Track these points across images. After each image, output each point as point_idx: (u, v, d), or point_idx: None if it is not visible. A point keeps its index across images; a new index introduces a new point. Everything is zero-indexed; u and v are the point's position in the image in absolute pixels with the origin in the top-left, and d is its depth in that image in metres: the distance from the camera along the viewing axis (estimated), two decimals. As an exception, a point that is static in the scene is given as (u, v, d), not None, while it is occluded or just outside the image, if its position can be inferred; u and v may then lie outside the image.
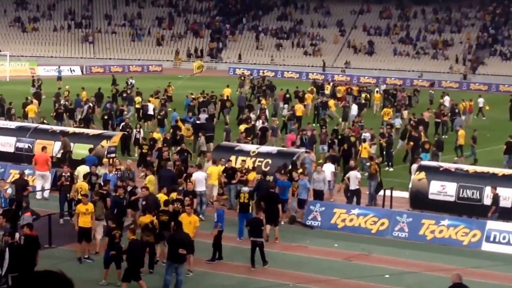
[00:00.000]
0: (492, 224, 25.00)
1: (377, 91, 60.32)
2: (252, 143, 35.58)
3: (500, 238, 24.59)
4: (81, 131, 34.63)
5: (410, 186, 28.32)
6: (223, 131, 39.21)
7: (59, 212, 25.60)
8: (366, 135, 37.59)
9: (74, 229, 22.09)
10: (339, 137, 37.75)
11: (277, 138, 39.90)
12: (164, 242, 20.94)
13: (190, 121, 41.21)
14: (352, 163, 29.65)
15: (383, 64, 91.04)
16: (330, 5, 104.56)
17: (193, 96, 50.13)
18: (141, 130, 38.12)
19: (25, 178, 26.63)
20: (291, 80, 79.55)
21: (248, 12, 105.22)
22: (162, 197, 23.18)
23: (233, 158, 29.45)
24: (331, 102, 51.17)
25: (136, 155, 35.33)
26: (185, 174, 27.25)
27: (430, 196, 27.27)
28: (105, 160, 29.72)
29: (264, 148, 31.76)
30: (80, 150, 31.67)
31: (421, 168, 28.19)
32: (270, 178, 27.04)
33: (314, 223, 26.59)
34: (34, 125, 36.23)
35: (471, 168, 28.46)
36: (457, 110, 49.40)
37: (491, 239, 24.65)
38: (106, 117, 43.04)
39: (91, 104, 46.00)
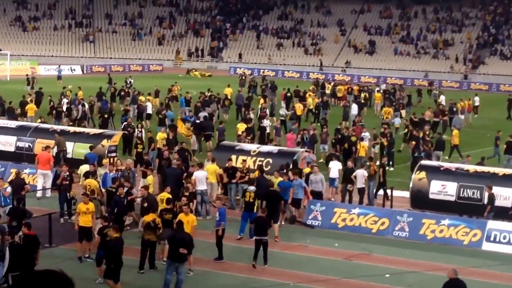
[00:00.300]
0: (492, 224, 24.99)
1: (377, 91, 60.36)
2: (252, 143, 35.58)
3: (501, 238, 24.58)
4: (81, 130, 34.67)
5: (410, 185, 28.32)
6: (216, 130, 39.36)
7: (59, 211, 25.61)
8: (366, 134, 37.66)
9: (74, 228, 22.11)
10: (339, 136, 37.72)
11: (280, 138, 39.92)
12: (164, 241, 20.97)
13: (190, 120, 41.22)
14: (349, 164, 29.55)
15: (384, 63, 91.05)
16: (331, 4, 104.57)
17: (189, 95, 50.43)
18: (143, 129, 38.07)
19: (22, 177, 26.63)
20: (292, 79, 79.57)
21: (248, 11, 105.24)
22: (165, 195, 23.20)
23: (233, 157, 29.46)
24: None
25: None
26: (185, 174, 27.25)
27: (431, 196, 27.27)
28: (105, 160, 29.71)
29: (265, 148, 31.75)
30: (80, 149, 31.70)
31: (421, 168, 28.18)
32: (270, 177, 27.02)
33: (315, 223, 26.58)
34: (35, 124, 36.24)
35: (471, 168, 28.46)
36: (455, 109, 49.38)
37: (492, 238, 24.64)
38: (106, 116, 43.10)
39: (85, 103, 45.87)
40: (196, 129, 39.30)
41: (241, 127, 39.12)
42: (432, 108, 49.17)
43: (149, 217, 21.19)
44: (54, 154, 30.92)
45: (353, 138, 36.36)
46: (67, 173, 26.15)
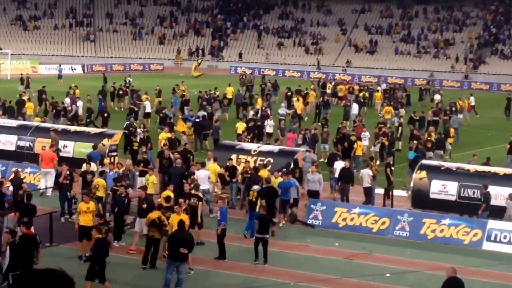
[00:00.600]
0: (493, 224, 24.99)
1: (378, 90, 60.35)
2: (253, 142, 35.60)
3: (501, 238, 24.58)
4: (82, 129, 34.68)
5: (411, 185, 28.32)
6: (211, 128, 39.39)
7: (60, 211, 25.63)
8: (366, 134, 37.68)
9: (74, 227, 22.12)
10: (341, 135, 37.69)
11: (283, 138, 39.89)
12: (165, 239, 21.06)
13: (191, 120, 41.20)
14: (347, 163, 29.46)
15: (385, 63, 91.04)
16: (332, 4, 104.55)
17: (184, 93, 50.63)
18: (145, 129, 37.97)
19: (20, 176, 26.64)
20: (292, 79, 79.55)
21: (249, 10, 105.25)
22: (167, 193, 23.23)
23: (233, 156, 29.47)
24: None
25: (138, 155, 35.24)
26: (185, 173, 27.24)
27: (431, 195, 27.27)
28: (106, 160, 29.69)
29: (265, 147, 31.75)
30: (81, 148, 31.71)
31: (422, 167, 28.17)
32: (271, 176, 27.02)
33: (315, 222, 26.58)
34: (36, 123, 36.24)
35: (472, 168, 28.45)
36: (454, 109, 49.37)
37: (492, 238, 24.64)
38: (105, 115, 43.10)
39: (77, 103, 45.79)
40: (196, 128, 39.33)
41: (241, 126, 39.12)
42: (433, 108, 49.16)
43: (154, 214, 21.26)
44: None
45: (353, 138, 36.36)
46: (68, 172, 26.17)
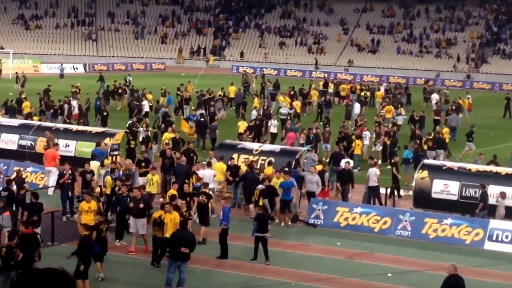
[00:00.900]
0: (495, 223, 24.97)
1: (379, 89, 60.32)
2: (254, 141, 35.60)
3: (503, 237, 24.56)
4: (84, 128, 34.69)
5: (413, 184, 28.30)
6: (208, 127, 39.40)
7: (62, 210, 25.63)
8: (366, 133, 37.68)
9: (77, 226, 22.12)
10: (342, 134, 37.65)
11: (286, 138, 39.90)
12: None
13: (193, 119, 41.20)
14: (347, 165, 29.35)
15: (387, 62, 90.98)
16: (333, 3, 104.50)
17: (179, 93, 50.66)
18: (148, 128, 37.92)
19: (22, 176, 26.64)
20: (294, 78, 79.52)
21: (251, 10, 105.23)
22: (172, 192, 23.25)
23: (235, 156, 29.46)
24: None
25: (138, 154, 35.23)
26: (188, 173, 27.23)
27: (433, 195, 27.25)
28: (106, 161, 29.67)
29: (267, 147, 31.74)
30: (83, 148, 31.71)
31: (424, 167, 28.15)
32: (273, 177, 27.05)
33: (317, 222, 26.56)
34: (37, 123, 36.27)
35: (473, 167, 28.43)
36: (454, 108, 49.29)
37: (494, 238, 24.61)
38: (105, 114, 43.15)
39: (71, 101, 45.80)
40: (199, 128, 39.37)
41: (242, 125, 39.11)
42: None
43: (156, 214, 21.27)
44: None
45: (353, 136, 36.37)
46: (70, 172, 26.16)
